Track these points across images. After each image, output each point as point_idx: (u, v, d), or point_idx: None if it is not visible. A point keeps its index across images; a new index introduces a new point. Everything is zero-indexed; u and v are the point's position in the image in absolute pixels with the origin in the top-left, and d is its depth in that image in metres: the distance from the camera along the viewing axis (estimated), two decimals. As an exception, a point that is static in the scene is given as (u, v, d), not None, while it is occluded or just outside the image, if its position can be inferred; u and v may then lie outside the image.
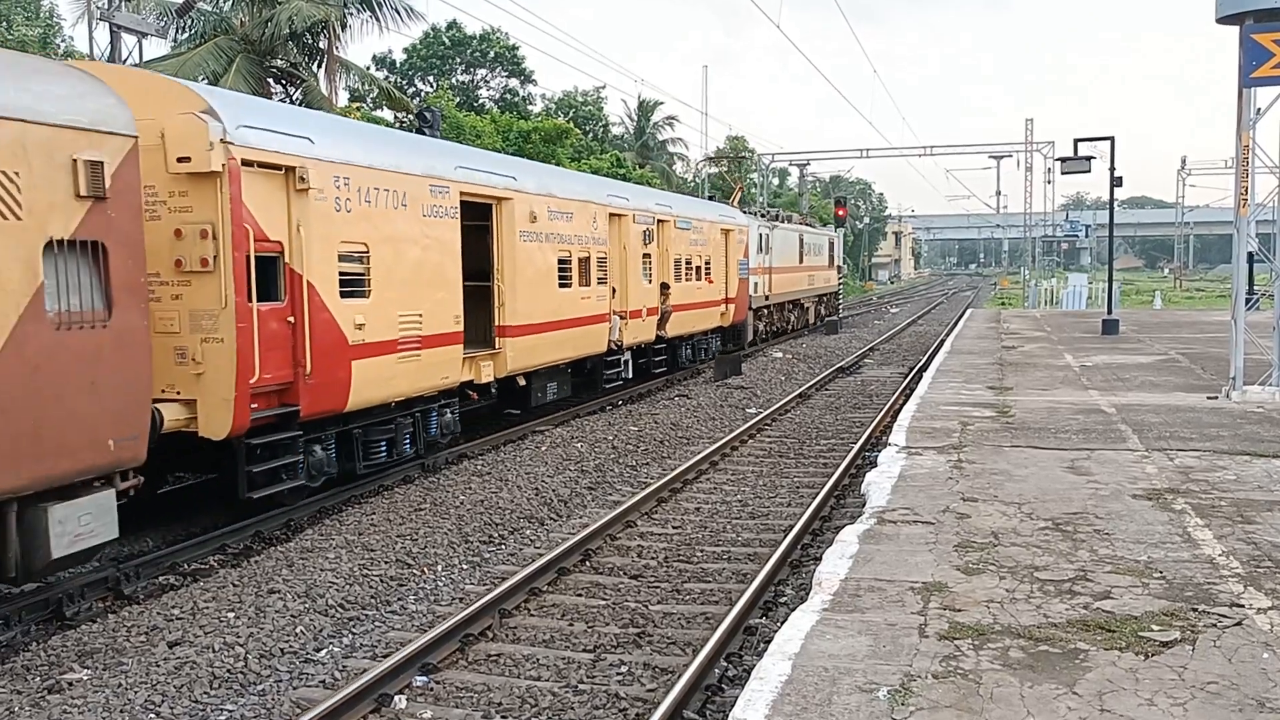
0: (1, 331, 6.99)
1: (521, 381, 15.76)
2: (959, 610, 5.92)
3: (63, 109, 7.54)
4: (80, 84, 7.93)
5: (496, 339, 14.76)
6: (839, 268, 45.25)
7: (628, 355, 19.76)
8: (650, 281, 20.87)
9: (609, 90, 73.14)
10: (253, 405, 9.68)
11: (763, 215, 32.61)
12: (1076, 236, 63.38)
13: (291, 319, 10.30)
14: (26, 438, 7.13)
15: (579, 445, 15.19)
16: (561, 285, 16.56)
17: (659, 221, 21.23)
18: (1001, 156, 58.26)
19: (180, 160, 9.26)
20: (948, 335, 31.94)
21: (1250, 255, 16.62)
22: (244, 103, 11.10)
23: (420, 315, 12.41)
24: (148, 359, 8.30)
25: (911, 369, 24.59)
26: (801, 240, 35.77)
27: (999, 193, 67.46)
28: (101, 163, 7.73)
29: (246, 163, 9.62)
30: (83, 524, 7.72)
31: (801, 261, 35.74)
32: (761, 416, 17.92)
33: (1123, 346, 22.73)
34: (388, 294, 11.74)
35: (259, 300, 9.73)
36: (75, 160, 7.54)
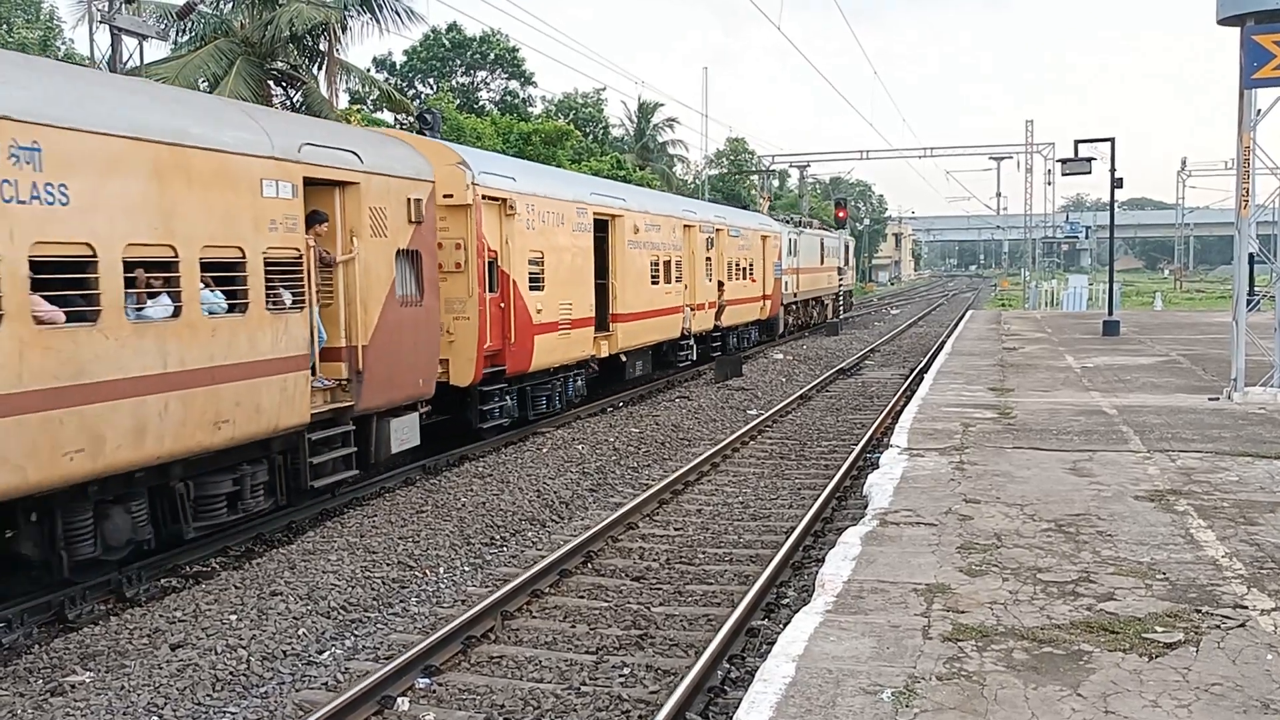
0: (378, 305, 11.31)
1: (623, 358, 19.88)
2: (962, 612, 5.92)
3: (403, 167, 11.99)
4: (408, 149, 12.61)
5: (611, 323, 19.04)
6: (853, 268, 50.83)
7: (693, 340, 24.06)
8: (710, 280, 25.23)
9: (609, 92, 73.24)
10: (474, 378, 14.05)
11: (790, 222, 36.91)
12: (1076, 238, 63.37)
13: (503, 305, 14.72)
14: (389, 378, 11.42)
15: (580, 447, 15.19)
16: (653, 283, 20.99)
17: (716, 230, 25.62)
18: (1002, 158, 58.28)
19: (445, 196, 13.47)
20: (948, 337, 31.96)
21: (1251, 256, 16.62)
22: (482, 157, 15.87)
23: (571, 304, 16.94)
24: (439, 329, 12.90)
25: (912, 370, 24.59)
26: (822, 244, 40.44)
27: (999, 194, 67.60)
28: (420, 199, 12.00)
29: (482, 197, 14.12)
30: (405, 433, 12.18)
31: (823, 263, 40.35)
32: (762, 418, 17.92)
33: (1124, 348, 22.72)
34: (553, 288, 16.23)
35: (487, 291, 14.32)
36: (409, 199, 11.84)
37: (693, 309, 23.54)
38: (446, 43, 53.37)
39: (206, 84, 24.18)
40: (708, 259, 24.87)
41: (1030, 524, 7.86)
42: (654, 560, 10.05)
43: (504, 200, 14.72)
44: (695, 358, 24.45)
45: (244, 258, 9.35)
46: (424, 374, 12.42)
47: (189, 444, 8.73)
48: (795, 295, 34.92)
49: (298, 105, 27.18)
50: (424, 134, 18.25)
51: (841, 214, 42.13)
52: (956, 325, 36.40)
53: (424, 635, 7.92)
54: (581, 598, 9.02)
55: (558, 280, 16.38)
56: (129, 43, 17.33)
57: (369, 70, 41.14)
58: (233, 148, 9.28)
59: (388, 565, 9.56)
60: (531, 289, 15.51)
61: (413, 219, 11.93)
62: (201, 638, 7.63)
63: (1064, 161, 25.46)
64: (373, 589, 8.98)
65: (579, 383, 17.93)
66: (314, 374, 10.57)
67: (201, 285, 8.86)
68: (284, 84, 28.25)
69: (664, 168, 59.69)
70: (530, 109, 53.65)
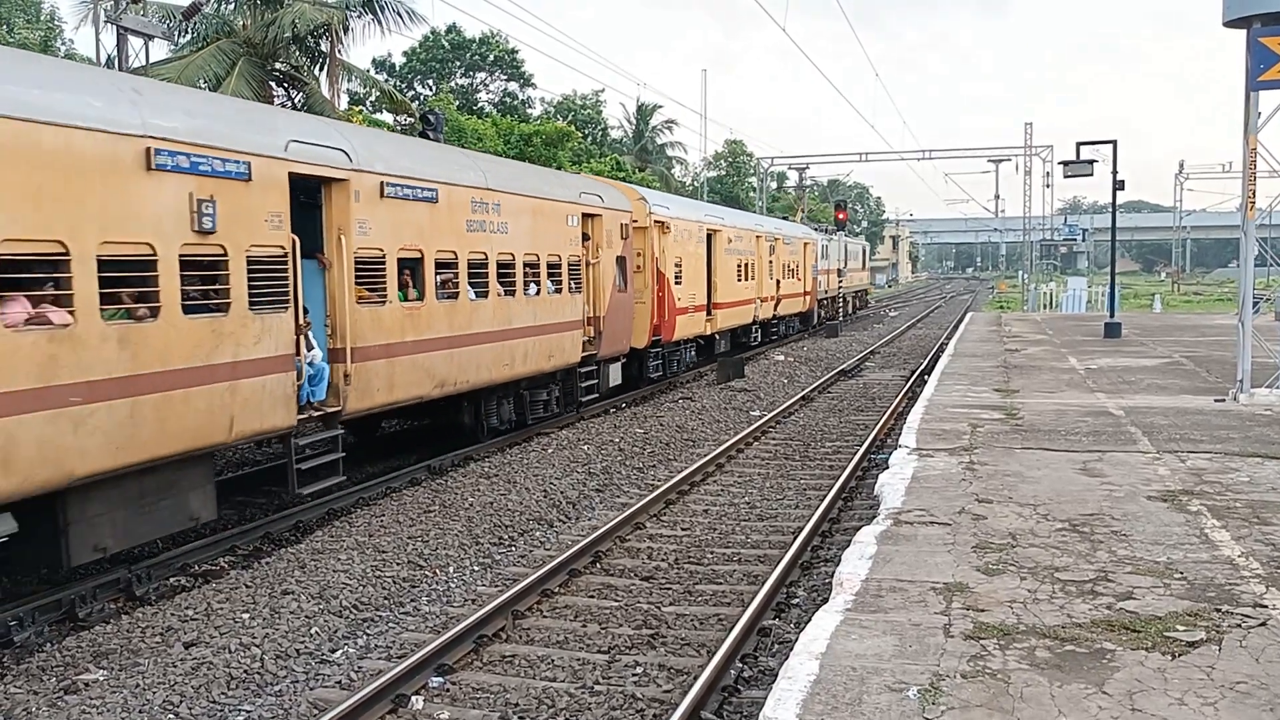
0: (607, 292, 17.69)
1: (717, 337, 26.62)
2: (982, 610, 5.91)
3: (618, 203, 18.79)
4: (618, 191, 19.52)
5: (712, 310, 25.51)
6: (869, 269, 59.56)
7: (757, 326, 30.83)
8: (771, 279, 31.82)
9: (609, 93, 73.21)
10: (648, 340, 20.86)
11: (821, 230, 43.95)
12: (1075, 240, 63.48)
13: (661, 295, 21.21)
14: (612, 337, 17.64)
15: (585, 448, 15.17)
16: (737, 280, 27.73)
17: (775, 240, 32.48)
18: (1000, 160, 58.35)
19: (633, 221, 19.73)
20: (949, 339, 31.98)
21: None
22: (653, 195, 22.98)
23: (695, 295, 23.72)
24: (633, 308, 19.40)
25: (913, 372, 24.60)
26: (845, 248, 48.27)
27: (997, 196, 67.61)
28: (625, 224, 18.61)
29: (655, 221, 20.91)
30: (615, 375, 18.70)
31: (846, 264, 47.99)
32: (766, 419, 17.92)
33: (1126, 350, 22.75)
34: (686, 284, 23.00)
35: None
36: (620, 224, 18.35)
37: (760, 301, 30.58)
38: (446, 44, 53.37)
39: (208, 84, 24.13)
40: (769, 262, 31.63)
41: (1044, 524, 7.86)
42: (663, 560, 10.04)
43: (663, 223, 21.64)
44: (760, 339, 31.41)
45: (560, 262, 16.26)
46: (627, 337, 19.50)
47: (536, 368, 15.64)
48: (826, 291, 41.85)
49: (299, 106, 27.14)
50: (427, 135, 18.47)
51: (841, 216, 42.17)
52: (956, 327, 36.45)
53: (436, 634, 7.90)
54: (592, 597, 9.01)
55: (688, 278, 23.22)
56: (134, 42, 17.30)
57: (369, 71, 41.09)
58: (563, 197, 16.55)
59: (397, 564, 9.54)
60: (675, 284, 22.20)
61: (622, 237, 18.87)
62: (215, 636, 7.61)
63: (1066, 164, 25.48)
64: (383, 588, 8.96)
65: (692, 353, 24.56)
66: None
67: (535, 278, 15.44)
68: (285, 85, 28.23)
69: (663, 169, 59.72)
70: (529, 110, 53.65)
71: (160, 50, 27.68)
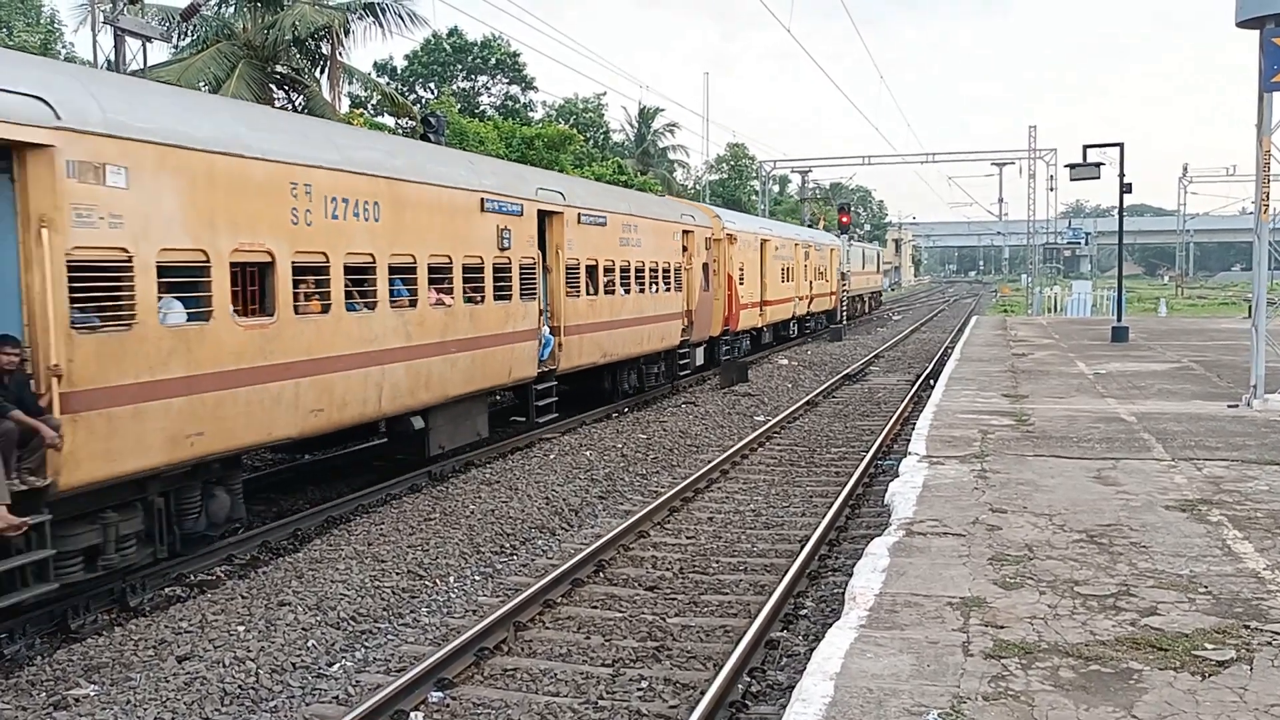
0: (696, 290, 22.98)
1: (765, 331, 31.59)
2: (1001, 627, 5.70)
3: (702, 220, 24.54)
4: (701, 212, 25.28)
5: (763, 307, 30.29)
6: (883, 271, 68.10)
7: (795, 321, 36.05)
8: (805, 280, 37.07)
9: (610, 95, 73.12)
10: (721, 329, 25.65)
11: (850, 238, 50.18)
12: (1079, 243, 63.28)
13: (729, 294, 25.82)
14: (700, 327, 23.33)
15: (588, 453, 14.98)
16: (781, 282, 32.95)
17: (809, 247, 38.07)
18: (1004, 163, 58.16)
19: (712, 234, 24.66)
20: (954, 343, 31.78)
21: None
22: (725, 212, 28.05)
23: (752, 293, 28.75)
24: (713, 305, 24.33)
25: (918, 377, 24.41)
26: (864, 253, 55.51)
27: (1001, 200, 67.24)
28: (708, 237, 24.28)
29: (726, 235, 25.58)
30: (698, 358, 23.85)
31: (863, 267, 54.52)
32: (770, 424, 17.73)
33: (1134, 354, 22.53)
34: (746, 285, 27.80)
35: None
36: (705, 238, 24.00)
37: (798, 299, 35.85)
38: (448, 47, 53.25)
39: (208, 87, 23.96)
40: (804, 266, 36.74)
41: (1061, 534, 7.65)
42: (667, 569, 9.85)
43: (731, 235, 26.49)
44: (798, 333, 36.84)
45: (670, 268, 21.31)
46: (708, 327, 24.44)
47: (654, 347, 20.57)
48: (847, 291, 46.98)
49: (299, 108, 26.97)
50: (428, 137, 18.50)
51: (845, 219, 41.99)
52: (961, 331, 36.26)
53: (436, 647, 7.72)
54: (595, 608, 8.82)
55: (747, 280, 28.11)
56: (132, 44, 17.13)
57: (370, 74, 40.93)
58: (670, 218, 22.07)
59: (397, 574, 9.35)
60: (740, 285, 26.91)
61: (705, 248, 24.14)
62: (209, 649, 7.41)
63: (1072, 167, 25.27)
64: (382, 599, 8.77)
65: (746, 343, 29.38)
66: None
67: (655, 280, 20.56)
68: (286, 87, 28.07)
69: (664, 173, 59.56)
70: (531, 114, 53.50)
71: (160, 52, 27.60)
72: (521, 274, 14.68)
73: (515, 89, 55.02)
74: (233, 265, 9.13)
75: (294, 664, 7.39)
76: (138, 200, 8.18)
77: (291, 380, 9.83)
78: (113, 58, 17.27)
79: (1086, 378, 18.08)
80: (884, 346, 34.54)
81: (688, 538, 11.01)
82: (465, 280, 13.20)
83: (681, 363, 22.68)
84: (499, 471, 13.60)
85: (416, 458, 13.08)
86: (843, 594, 8.84)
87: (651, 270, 20.35)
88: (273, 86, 27.10)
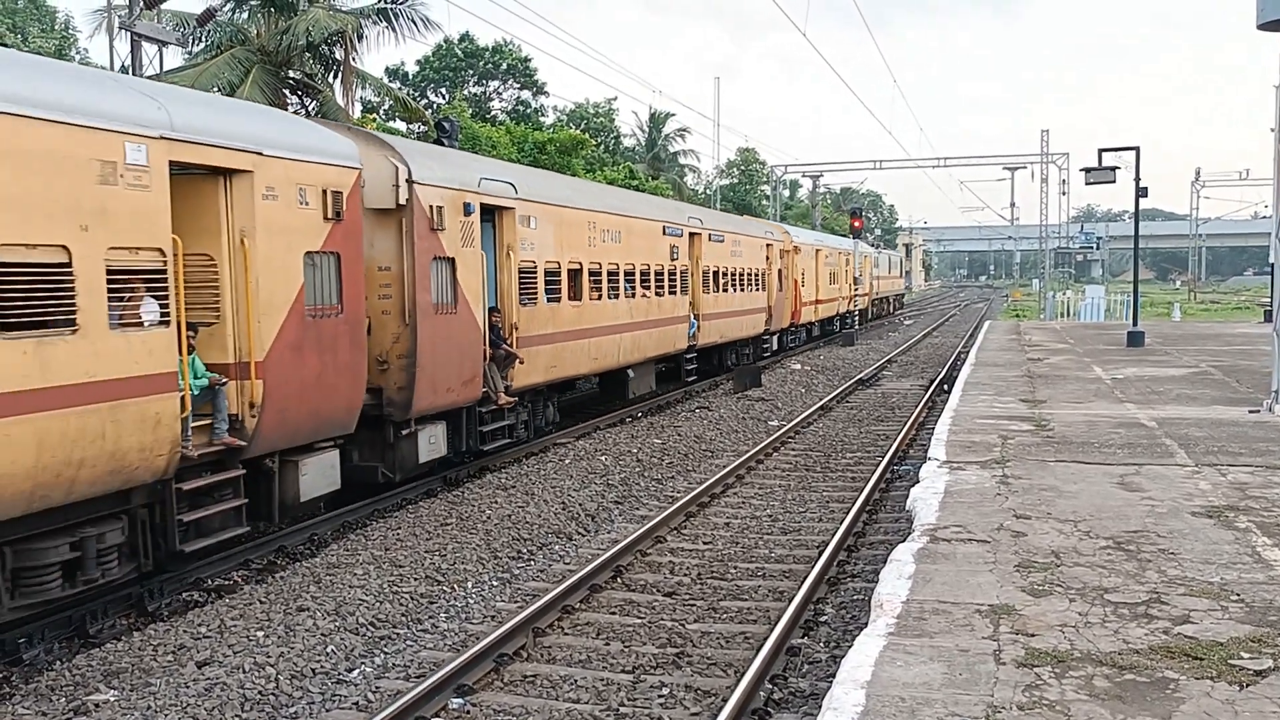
0: (775, 290, 30.16)
1: (815, 325, 37.46)
2: (1032, 635, 5.62)
3: (777, 234, 32.12)
4: (779, 228, 34.09)
5: (817, 305, 36.53)
6: (903, 276, 76.57)
7: (838, 318, 42.11)
8: (847, 283, 43.71)
9: (621, 99, 73.12)
10: (789, 322, 32.67)
11: (872, 246, 58.45)
12: (1091, 248, 63.04)
13: (795, 294, 32.68)
14: (777, 319, 30.63)
15: (603, 458, 14.92)
16: (830, 284, 39.03)
17: (849, 254, 44.47)
18: (1016, 168, 57.95)
19: (783, 247, 31.68)
20: (966, 348, 31.65)
21: (1272, 267, 16.23)
22: (793, 230, 36.33)
23: (810, 294, 35.08)
24: (785, 303, 31.28)
25: (931, 381, 24.28)
26: (890, 259, 63.89)
27: (1013, 204, 67.08)
28: (781, 250, 31.33)
29: (794, 246, 32.81)
30: (775, 344, 31.40)
31: (889, 272, 62.17)
32: (784, 429, 17.66)
33: (1151, 359, 22.37)
34: (806, 285, 34.40)
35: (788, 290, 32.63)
36: (780, 250, 31.23)
37: (842, 299, 42.78)
38: (459, 52, 53.37)
39: (222, 91, 24.01)
40: (846, 271, 43.38)
41: (1087, 541, 7.56)
42: (685, 575, 9.79)
43: (797, 247, 32.98)
44: (840, 328, 41.97)
45: (757, 272, 28.29)
46: (780, 320, 30.37)
47: (746, 334, 27.49)
48: (876, 293, 54.03)
49: (312, 114, 27.01)
50: (441, 142, 18.45)
51: (857, 224, 41.89)
52: (974, 336, 36.12)
53: (455, 653, 7.67)
54: (614, 614, 8.76)
55: (806, 283, 34.37)
56: (148, 49, 17.19)
57: (382, 80, 41.02)
58: (757, 234, 29.37)
59: (415, 579, 9.30)
60: (802, 287, 33.36)
61: (779, 257, 30.30)
62: (228, 655, 7.37)
63: (1088, 170, 25.12)
64: (401, 604, 8.72)
65: (804, 335, 35.64)
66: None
67: (747, 281, 27.27)
68: (299, 93, 28.13)
69: (675, 178, 59.55)
70: (542, 118, 53.56)
71: (174, 58, 27.70)
72: (680, 277, 21.63)
73: (526, 94, 55.12)
74: (568, 270, 16.13)
75: (314, 670, 7.35)
76: (539, 235, 15.07)
77: (589, 339, 16.92)
78: (129, 63, 17.33)
79: (1104, 382, 17.95)
80: (896, 351, 34.41)
81: (705, 543, 10.95)
82: (655, 281, 20.13)
83: (763, 348, 29.52)
84: (514, 476, 13.56)
85: (620, 399, 20.07)
86: (863, 600, 8.79)
87: (748, 274, 27.51)
88: (286, 92, 27.17)
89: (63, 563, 7.39)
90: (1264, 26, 13.55)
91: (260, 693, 6.89)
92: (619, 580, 9.70)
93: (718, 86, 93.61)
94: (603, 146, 51.90)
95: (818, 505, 12.59)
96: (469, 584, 9.51)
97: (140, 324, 7.85)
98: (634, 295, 18.96)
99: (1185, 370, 19.86)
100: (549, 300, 15.34)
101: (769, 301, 29.05)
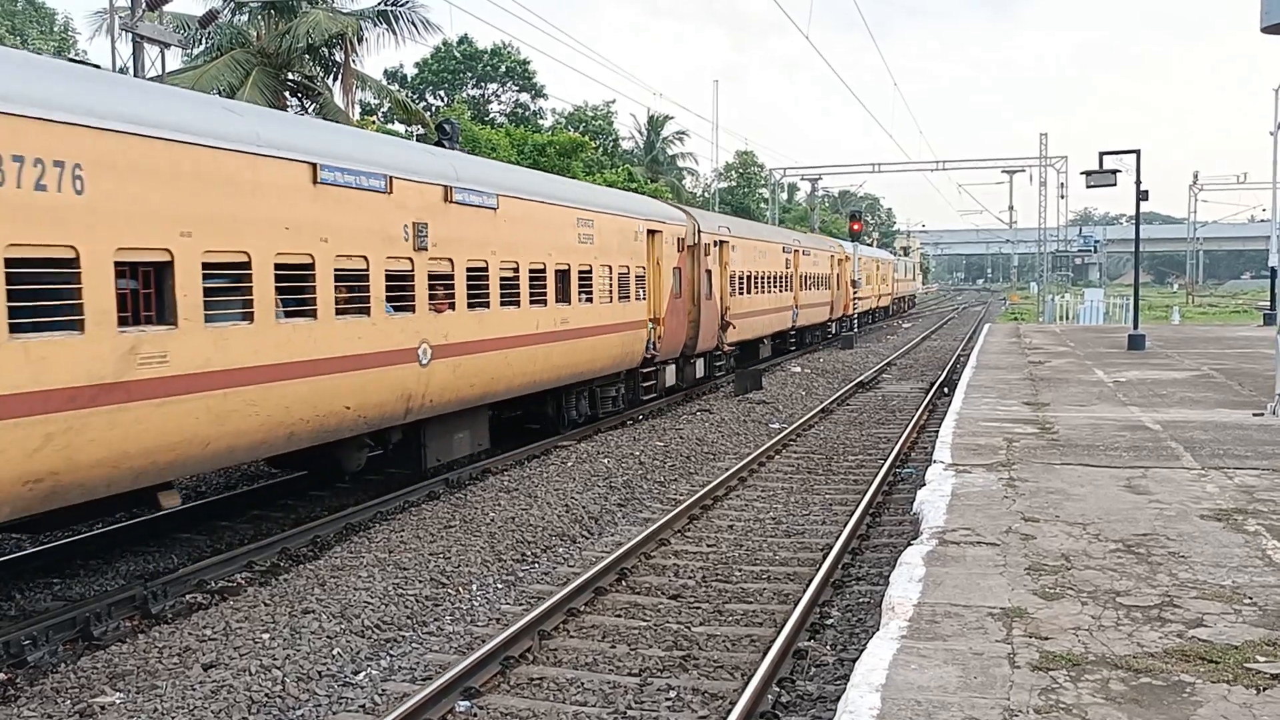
0: (837, 287, 42.55)
1: (856, 316, 45.16)
2: (1046, 638, 5.60)
3: (839, 249, 43.95)
4: (841, 243, 45.62)
5: (857, 300, 45.30)
6: (916, 279, 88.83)
7: (874, 313, 52.23)
8: (876, 284, 52.59)
9: (621, 102, 73.16)
10: (838, 314, 43.01)
11: (891, 252, 72.41)
12: (1089, 251, 63.10)
13: (847, 292, 44.45)
14: (836, 309, 42.71)
15: (606, 461, 14.89)
16: (866, 285, 48.17)
17: (875, 260, 52.75)
18: (1014, 171, 58.02)
19: (840, 257, 42.91)
20: (965, 351, 31.65)
21: (1272, 270, 16.28)
22: (846, 244, 44.97)
23: (858, 289, 45.56)
24: (838, 298, 42.85)
25: (931, 384, 24.28)
26: (904, 264, 74.07)
27: (1011, 208, 67.07)
28: (842, 260, 43.31)
29: (845, 256, 44.01)
30: (832, 329, 42.97)
31: (904, 275, 72.79)
32: (786, 432, 17.64)
33: (1152, 362, 22.37)
34: (854, 285, 45.29)
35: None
36: (839, 260, 42.86)
37: (875, 298, 52.21)
38: (458, 55, 53.38)
39: (223, 93, 23.98)
40: (878, 274, 52.60)
41: (1097, 544, 7.54)
42: (690, 578, 9.76)
43: (846, 257, 42.72)
44: (875, 320, 52.11)
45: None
46: (838, 311, 41.75)
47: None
48: (894, 294, 62.92)
49: (312, 115, 26.98)
50: (442, 144, 18.54)
51: (857, 227, 41.88)
52: (972, 340, 36.12)
53: (461, 656, 7.64)
54: (619, 616, 8.73)
55: (859, 281, 43.77)
56: (150, 51, 17.14)
57: (381, 82, 40.98)
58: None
59: (420, 582, 9.26)
60: (852, 287, 43.24)
61: (838, 265, 41.56)
62: (234, 657, 7.33)
63: (1088, 174, 25.10)
64: (406, 607, 8.69)
65: (854, 322, 43.94)
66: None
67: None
68: (299, 95, 28.11)
69: (674, 180, 59.57)
70: (541, 121, 53.58)
71: (173, 59, 27.63)
72: (788, 280, 31.60)
73: (525, 96, 55.14)
74: (749, 275, 27.09)
75: (320, 672, 7.31)
76: (738, 255, 25.49)
77: (762, 316, 28.98)
78: (130, 65, 17.29)
79: (1107, 385, 17.95)
80: (895, 354, 34.42)
81: (709, 546, 10.92)
82: (781, 281, 31.01)
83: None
84: (517, 479, 13.52)
85: (794, 348, 33.57)
86: (870, 603, 8.77)
87: (823, 278, 37.81)
88: (286, 94, 27.15)
89: (608, 397, 18.48)
90: (1268, 30, 13.55)
91: (267, 695, 6.84)
92: (624, 583, 9.67)
93: (716, 89, 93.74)
94: (601, 149, 51.93)
95: (821, 508, 12.56)
96: (474, 586, 9.47)
97: (638, 298, 18.70)
98: (769, 291, 29.94)
99: (1187, 373, 19.86)
100: (743, 294, 26.22)
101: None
